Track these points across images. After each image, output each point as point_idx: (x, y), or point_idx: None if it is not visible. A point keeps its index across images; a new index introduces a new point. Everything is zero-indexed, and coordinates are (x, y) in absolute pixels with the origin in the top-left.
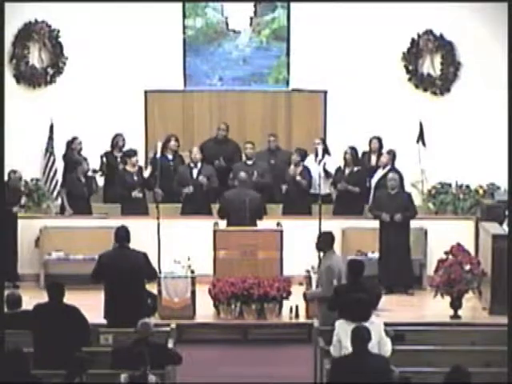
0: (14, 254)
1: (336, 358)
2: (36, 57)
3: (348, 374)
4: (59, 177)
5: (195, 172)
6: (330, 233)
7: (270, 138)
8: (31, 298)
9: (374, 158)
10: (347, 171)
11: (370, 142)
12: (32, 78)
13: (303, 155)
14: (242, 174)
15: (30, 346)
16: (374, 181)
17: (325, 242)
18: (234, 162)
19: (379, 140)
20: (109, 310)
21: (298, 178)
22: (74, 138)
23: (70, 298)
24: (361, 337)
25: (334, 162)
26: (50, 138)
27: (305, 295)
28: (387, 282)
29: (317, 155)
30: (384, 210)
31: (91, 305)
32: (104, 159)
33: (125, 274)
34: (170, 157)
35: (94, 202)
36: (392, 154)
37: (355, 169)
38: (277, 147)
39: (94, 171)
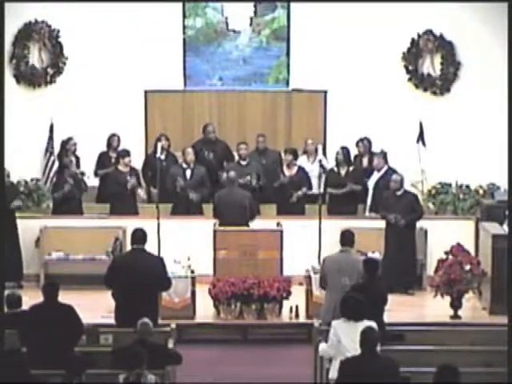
0: (18, 253)
1: (345, 360)
2: (36, 57)
3: (357, 375)
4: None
5: (188, 173)
6: (344, 231)
7: (258, 138)
8: (31, 298)
9: (365, 160)
10: (343, 172)
11: (357, 144)
12: (32, 78)
13: (295, 155)
14: (232, 174)
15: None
16: (371, 183)
17: (340, 238)
18: (224, 162)
19: (363, 141)
20: (120, 314)
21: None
22: (69, 139)
23: (70, 297)
24: (370, 338)
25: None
26: (50, 138)
27: None
28: (390, 282)
29: (315, 155)
30: (391, 210)
31: (91, 305)
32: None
33: (139, 277)
34: (163, 157)
35: (86, 202)
36: (383, 155)
37: (351, 168)
38: (265, 147)
39: (82, 174)
